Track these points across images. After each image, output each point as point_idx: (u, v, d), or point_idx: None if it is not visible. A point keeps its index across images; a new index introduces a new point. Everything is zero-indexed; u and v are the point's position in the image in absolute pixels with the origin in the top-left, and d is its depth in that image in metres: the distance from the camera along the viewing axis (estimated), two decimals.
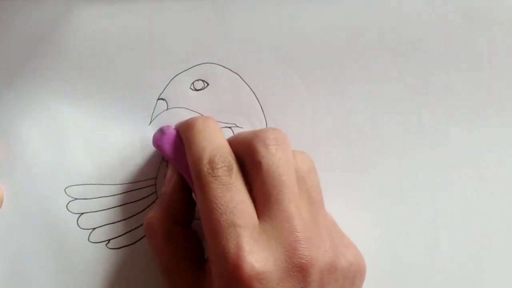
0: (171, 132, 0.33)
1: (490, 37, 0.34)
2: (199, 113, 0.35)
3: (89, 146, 0.35)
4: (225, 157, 0.28)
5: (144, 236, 0.34)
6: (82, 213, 0.35)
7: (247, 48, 0.35)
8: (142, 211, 0.35)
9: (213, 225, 0.26)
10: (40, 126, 0.35)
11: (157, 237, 0.29)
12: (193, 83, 0.35)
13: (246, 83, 0.35)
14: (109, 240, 0.34)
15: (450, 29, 0.34)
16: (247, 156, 0.28)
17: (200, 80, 0.35)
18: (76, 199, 0.35)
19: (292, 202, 0.26)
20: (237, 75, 0.35)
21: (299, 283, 0.25)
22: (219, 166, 0.27)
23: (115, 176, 0.35)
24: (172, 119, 0.35)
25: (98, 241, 0.34)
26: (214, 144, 0.28)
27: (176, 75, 0.35)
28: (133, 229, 0.34)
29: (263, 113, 0.35)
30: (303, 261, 0.25)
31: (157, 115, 0.35)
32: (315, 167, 0.30)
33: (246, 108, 0.35)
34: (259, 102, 0.35)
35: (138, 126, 0.35)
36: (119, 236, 0.34)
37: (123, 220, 0.34)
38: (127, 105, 0.35)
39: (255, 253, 0.25)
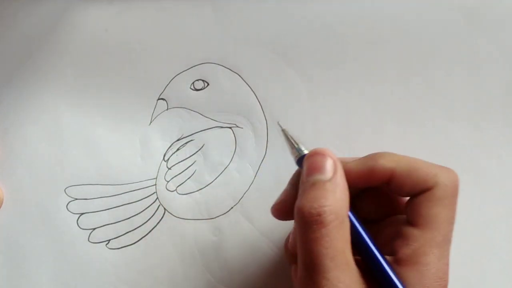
0: None
1: (490, 37, 0.34)
2: (199, 113, 0.35)
3: (89, 146, 0.35)
4: None
5: (144, 236, 0.34)
6: (82, 213, 0.35)
7: (247, 48, 0.35)
8: (142, 211, 0.35)
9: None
10: (40, 126, 0.35)
11: (331, 227, 0.25)
12: (193, 83, 0.35)
13: (246, 83, 0.35)
14: (109, 240, 0.34)
15: (450, 29, 0.34)
16: None
17: (200, 80, 0.35)
18: (76, 199, 0.35)
19: None
20: (237, 75, 0.35)
21: None
22: None
23: (115, 176, 0.35)
24: (172, 119, 0.35)
25: (98, 241, 0.34)
26: None
27: (176, 75, 0.35)
28: (133, 229, 0.34)
29: (263, 113, 0.35)
30: None
31: (157, 115, 0.35)
32: None
33: (246, 108, 0.35)
34: (259, 102, 0.35)
35: (138, 126, 0.35)
36: (119, 236, 0.34)
37: (123, 220, 0.34)
38: (127, 105, 0.35)
39: None
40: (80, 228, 0.34)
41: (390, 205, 0.29)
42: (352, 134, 0.34)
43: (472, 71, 0.34)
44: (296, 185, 0.28)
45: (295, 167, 0.29)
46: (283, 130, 0.29)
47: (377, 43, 0.34)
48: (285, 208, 0.28)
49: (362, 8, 0.35)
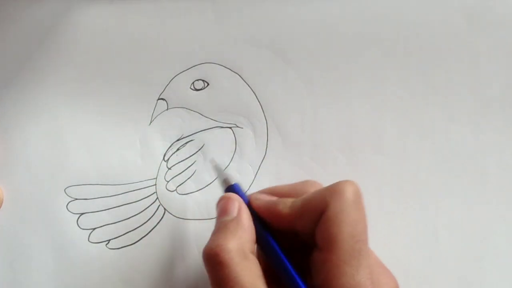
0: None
1: (490, 37, 0.34)
2: (199, 113, 0.35)
3: (89, 146, 0.35)
4: None
5: (144, 236, 0.34)
6: (82, 213, 0.35)
7: (247, 48, 0.35)
8: (142, 211, 0.34)
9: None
10: (40, 126, 0.35)
11: (232, 265, 0.26)
12: (193, 83, 0.35)
13: (246, 83, 0.35)
14: (109, 240, 0.34)
15: (450, 30, 0.34)
16: None
17: (200, 80, 0.35)
18: (76, 199, 0.35)
19: None
20: (237, 75, 0.35)
21: None
22: None
23: (115, 176, 0.35)
24: (172, 119, 0.35)
25: (98, 241, 0.34)
26: None
27: (176, 75, 0.35)
28: (133, 229, 0.34)
29: (263, 113, 0.35)
30: None
31: (157, 115, 0.35)
32: None
33: (246, 108, 0.35)
34: (259, 102, 0.35)
35: (138, 126, 0.35)
36: (119, 236, 0.34)
37: (123, 220, 0.34)
38: (127, 105, 0.35)
39: None
40: (80, 228, 0.34)
41: (302, 233, 0.28)
42: (352, 134, 0.34)
43: (472, 71, 0.34)
44: None
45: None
46: (214, 166, 0.32)
47: (377, 43, 0.34)
48: None
49: (362, 8, 0.35)
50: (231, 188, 0.30)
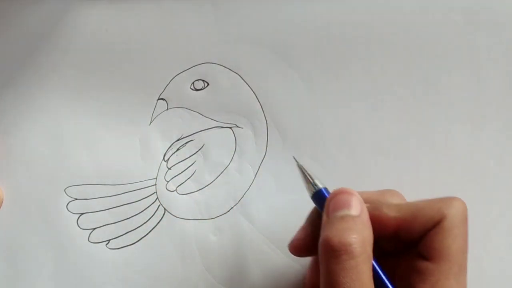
0: None
1: (490, 37, 0.34)
2: (199, 113, 0.35)
3: (89, 146, 0.35)
4: None
5: (144, 236, 0.34)
6: (82, 213, 0.35)
7: (247, 48, 0.35)
8: (142, 211, 0.35)
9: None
10: (40, 126, 0.35)
11: (360, 261, 0.25)
12: (193, 83, 0.35)
13: (246, 83, 0.35)
14: (109, 240, 0.34)
15: (450, 30, 0.34)
16: None
17: (200, 80, 0.35)
18: (76, 199, 0.35)
19: None
20: (237, 75, 0.35)
21: None
22: None
23: (115, 176, 0.35)
24: (172, 119, 0.35)
25: (98, 241, 0.34)
26: None
27: (176, 75, 0.35)
28: (133, 229, 0.34)
29: (263, 113, 0.35)
30: None
31: (157, 115, 0.35)
32: None
33: (246, 108, 0.35)
34: (259, 102, 0.35)
35: (138, 126, 0.35)
36: (119, 236, 0.34)
37: (123, 220, 0.34)
38: (127, 105, 0.35)
39: None
40: (80, 228, 0.34)
41: (404, 238, 0.28)
42: (352, 134, 0.34)
43: (472, 71, 0.34)
44: (313, 223, 0.28)
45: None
46: (298, 166, 0.29)
47: (377, 43, 0.34)
48: (303, 245, 0.28)
49: (362, 8, 0.35)
50: (320, 192, 0.28)
